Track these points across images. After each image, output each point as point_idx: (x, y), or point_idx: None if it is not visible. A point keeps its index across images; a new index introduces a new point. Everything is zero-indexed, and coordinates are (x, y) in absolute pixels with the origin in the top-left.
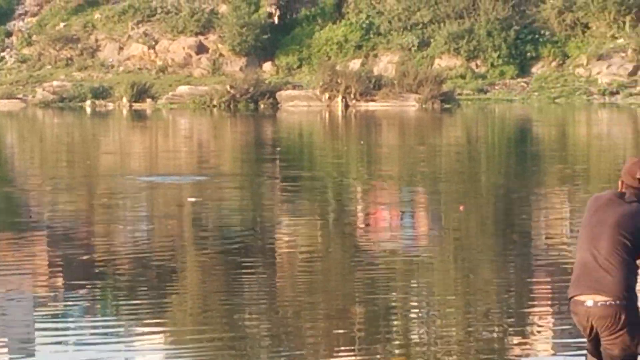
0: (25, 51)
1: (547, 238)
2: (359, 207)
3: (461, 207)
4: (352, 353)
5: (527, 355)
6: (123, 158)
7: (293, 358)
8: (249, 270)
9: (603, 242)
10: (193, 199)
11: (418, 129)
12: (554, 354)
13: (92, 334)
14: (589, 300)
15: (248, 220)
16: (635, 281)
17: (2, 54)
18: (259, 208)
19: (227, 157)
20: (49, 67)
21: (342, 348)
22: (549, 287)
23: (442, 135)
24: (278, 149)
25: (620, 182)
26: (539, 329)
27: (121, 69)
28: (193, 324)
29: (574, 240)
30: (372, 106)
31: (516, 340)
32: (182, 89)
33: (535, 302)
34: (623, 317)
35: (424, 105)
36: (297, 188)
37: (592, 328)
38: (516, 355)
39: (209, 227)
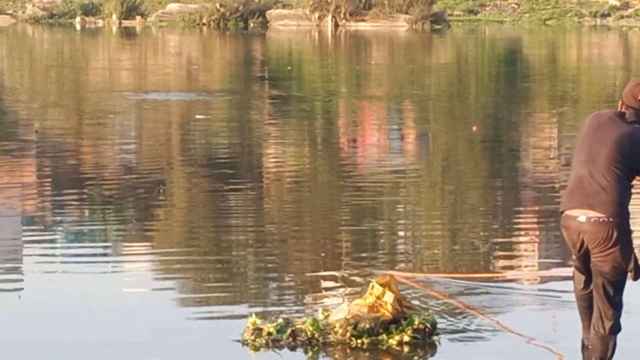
0: None
1: (536, 157)
2: (351, 127)
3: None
4: (338, 273)
5: (515, 278)
6: (115, 75)
7: (280, 279)
8: (240, 192)
9: (601, 159)
10: (201, 116)
11: (409, 49)
12: (540, 274)
13: (78, 255)
14: (582, 215)
15: (242, 139)
16: (629, 199)
17: None
18: (256, 126)
19: (222, 76)
20: None
21: (329, 270)
22: (537, 206)
23: (432, 55)
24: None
25: (620, 102)
26: (526, 247)
27: None
28: (181, 245)
29: (564, 160)
30: (361, 26)
31: (502, 262)
32: (172, 6)
33: (524, 221)
34: (615, 234)
35: (414, 26)
36: (294, 107)
37: (582, 244)
38: (503, 274)
39: (212, 145)
